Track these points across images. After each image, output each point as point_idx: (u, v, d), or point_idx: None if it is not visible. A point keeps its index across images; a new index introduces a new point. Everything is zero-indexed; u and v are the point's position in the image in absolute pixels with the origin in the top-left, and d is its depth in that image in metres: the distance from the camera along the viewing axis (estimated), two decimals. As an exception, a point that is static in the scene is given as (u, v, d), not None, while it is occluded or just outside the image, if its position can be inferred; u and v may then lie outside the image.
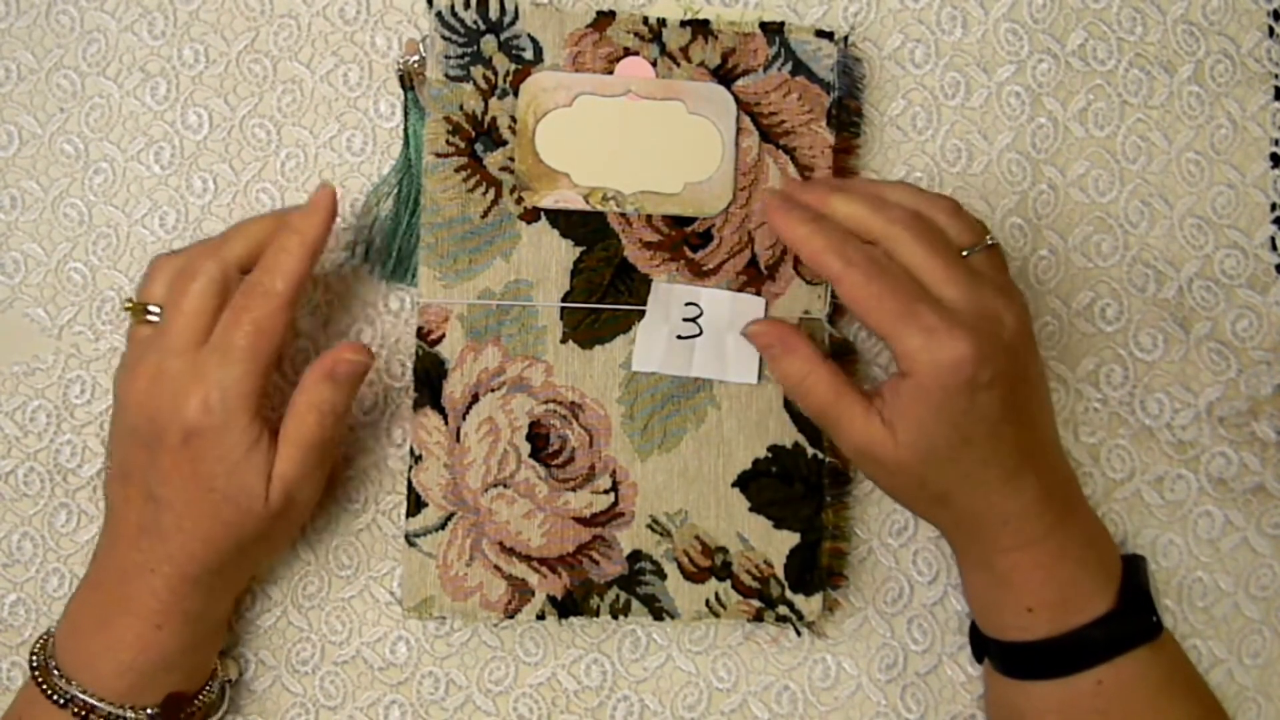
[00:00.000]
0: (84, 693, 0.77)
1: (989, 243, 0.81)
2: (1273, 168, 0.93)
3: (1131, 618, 0.82)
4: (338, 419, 0.82)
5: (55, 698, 0.77)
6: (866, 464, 0.81)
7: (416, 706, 0.90)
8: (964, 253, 0.80)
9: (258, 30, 0.91)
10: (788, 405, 0.88)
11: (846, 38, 0.90)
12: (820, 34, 0.89)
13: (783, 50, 0.88)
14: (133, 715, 0.78)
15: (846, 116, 0.90)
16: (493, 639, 0.90)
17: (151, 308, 0.80)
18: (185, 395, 0.77)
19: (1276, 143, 0.93)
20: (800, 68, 0.88)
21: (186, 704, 0.82)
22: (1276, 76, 0.94)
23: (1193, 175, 0.93)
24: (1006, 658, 0.84)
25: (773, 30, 0.88)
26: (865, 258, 0.77)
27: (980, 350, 0.75)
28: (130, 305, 0.81)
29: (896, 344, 0.76)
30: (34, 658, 0.80)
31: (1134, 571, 0.84)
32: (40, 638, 0.81)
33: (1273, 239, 0.93)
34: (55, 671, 0.78)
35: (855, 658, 0.91)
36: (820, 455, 0.88)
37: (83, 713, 0.77)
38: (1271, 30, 0.94)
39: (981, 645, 0.88)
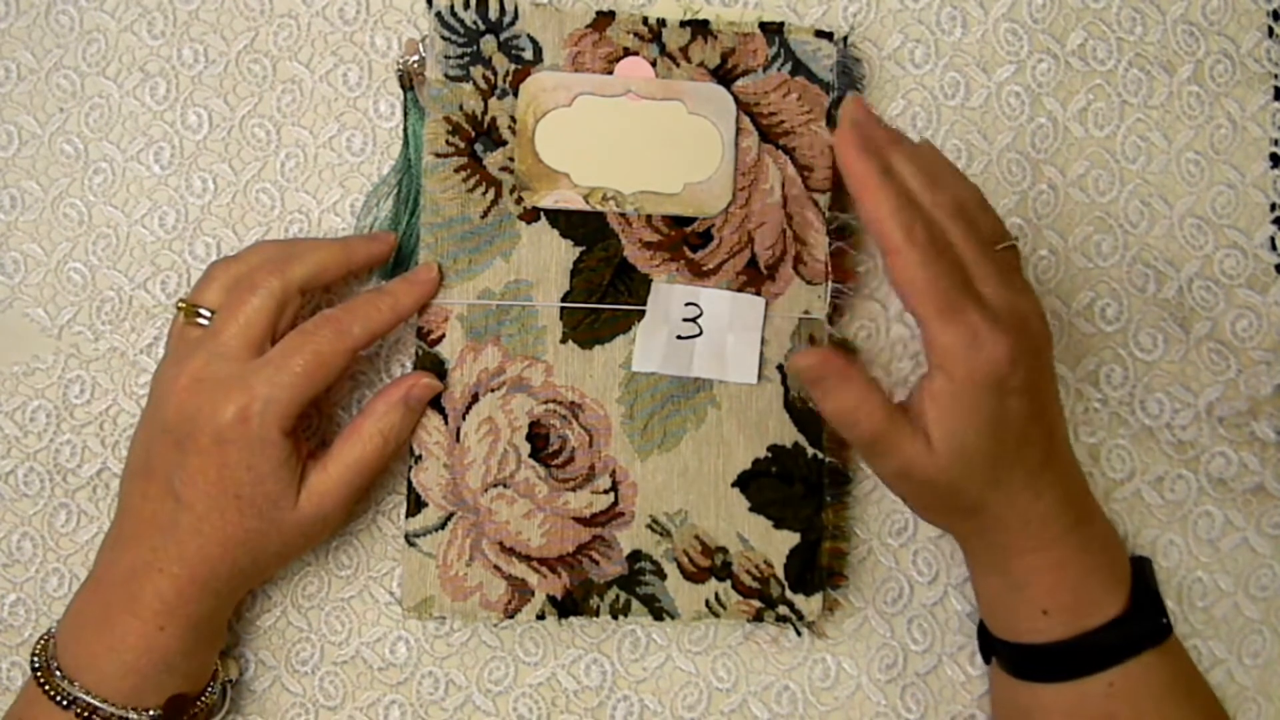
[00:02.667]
0: (87, 694, 0.77)
1: (1011, 242, 0.80)
2: (1273, 168, 0.93)
3: (1143, 620, 0.82)
4: (400, 445, 0.84)
5: (58, 699, 0.77)
6: (904, 484, 0.80)
7: (416, 706, 0.90)
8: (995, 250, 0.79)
9: (258, 30, 0.91)
10: (788, 405, 0.88)
11: (846, 38, 0.90)
12: (820, 34, 0.89)
13: (782, 50, 0.88)
14: (135, 717, 0.78)
15: (846, 116, 0.90)
16: (493, 639, 0.90)
17: (203, 310, 0.81)
18: (226, 400, 0.77)
19: (1276, 143, 0.94)
20: (800, 68, 0.88)
21: (189, 705, 0.82)
22: (1276, 76, 0.94)
23: (1193, 175, 0.93)
24: (1017, 659, 0.84)
25: (772, 30, 0.88)
26: (928, 237, 0.73)
27: (1015, 352, 0.73)
28: (182, 305, 0.81)
29: (937, 336, 0.73)
30: (35, 658, 0.80)
31: (1143, 573, 0.84)
32: (42, 637, 0.81)
33: (1273, 239, 0.93)
34: (58, 672, 0.78)
35: (855, 658, 0.91)
36: (820, 455, 0.88)
37: (86, 714, 0.77)
38: (1271, 30, 0.94)
39: (989, 646, 0.87)
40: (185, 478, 0.78)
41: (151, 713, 0.79)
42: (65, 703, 0.77)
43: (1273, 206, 0.93)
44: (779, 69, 0.88)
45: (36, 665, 0.79)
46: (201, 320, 0.80)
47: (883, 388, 0.77)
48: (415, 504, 0.86)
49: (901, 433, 0.76)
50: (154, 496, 0.79)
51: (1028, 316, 0.77)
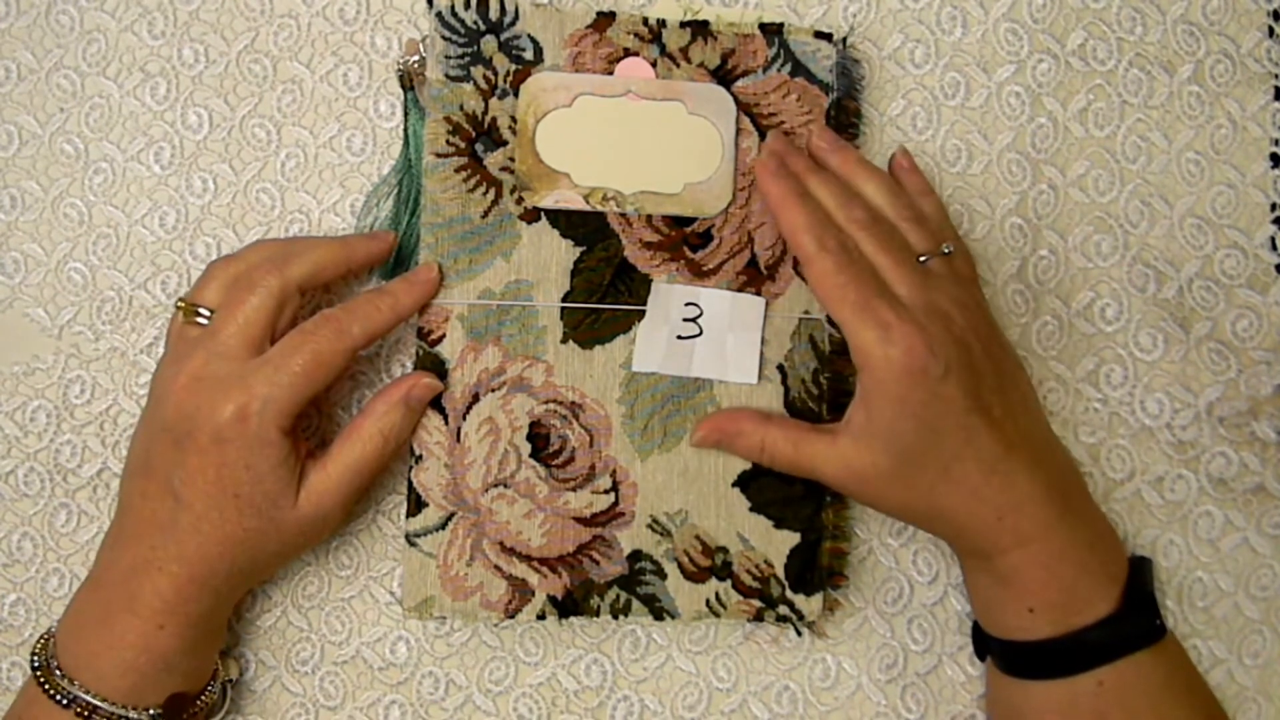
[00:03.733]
0: (86, 692, 0.77)
1: (945, 250, 0.83)
2: (1273, 168, 0.93)
3: (1134, 620, 0.82)
4: (400, 445, 0.84)
5: (57, 697, 0.77)
6: (855, 488, 0.82)
7: (416, 706, 0.90)
8: (921, 258, 0.82)
9: (258, 30, 0.91)
10: (788, 405, 0.88)
11: (845, 39, 0.91)
12: (819, 35, 0.89)
13: (782, 51, 0.88)
14: (135, 715, 0.78)
15: (845, 117, 0.90)
16: (493, 639, 0.90)
17: (202, 310, 0.80)
18: (225, 399, 0.77)
19: (1276, 143, 0.94)
20: (799, 69, 0.88)
21: (189, 704, 0.82)
22: (1276, 76, 0.94)
23: (1193, 175, 0.93)
24: (1008, 657, 0.84)
25: (772, 31, 0.88)
26: (838, 245, 0.80)
27: (928, 342, 0.77)
28: (182, 305, 0.81)
29: (852, 337, 0.78)
30: (35, 657, 0.80)
31: (1139, 573, 0.84)
32: (41, 636, 0.81)
33: (1273, 239, 0.93)
34: (57, 671, 0.78)
35: (855, 658, 0.91)
36: (820, 455, 0.88)
37: (85, 713, 0.77)
38: (1271, 30, 0.94)
39: (983, 643, 0.88)
40: (184, 477, 0.78)
41: (151, 711, 0.79)
42: (65, 701, 0.77)
43: (1273, 206, 0.93)
44: (779, 70, 0.88)
45: (36, 664, 0.79)
46: (200, 319, 0.80)
47: (786, 419, 0.85)
48: (416, 504, 0.86)
49: (815, 448, 0.81)
50: (153, 495, 0.79)
51: (946, 312, 0.79)
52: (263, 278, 0.80)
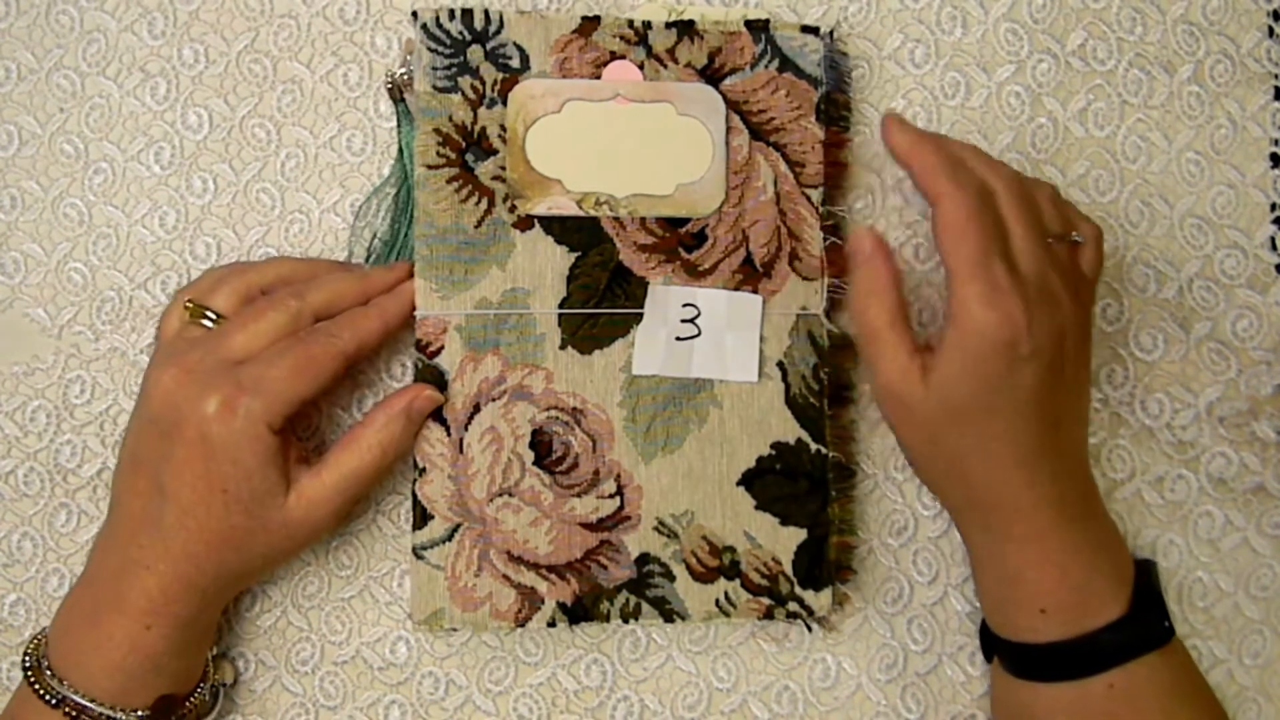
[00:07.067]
0: (75, 693, 0.78)
1: (1075, 238, 0.82)
2: (1273, 168, 0.93)
3: (1144, 623, 0.82)
4: (398, 457, 0.84)
5: (47, 698, 0.78)
6: (892, 405, 0.81)
7: (416, 706, 0.90)
8: (1049, 239, 0.80)
9: (258, 30, 0.91)
10: (789, 402, 0.88)
11: (832, 32, 0.90)
12: (806, 29, 0.89)
13: (769, 47, 0.88)
14: (123, 717, 0.78)
15: (835, 111, 0.90)
16: (493, 639, 0.90)
17: (210, 313, 0.81)
18: (212, 391, 0.77)
19: (1276, 143, 0.93)
20: (787, 64, 0.88)
21: (177, 706, 0.82)
22: (1276, 76, 0.93)
23: (1193, 175, 0.93)
24: (1017, 658, 0.84)
25: (758, 28, 0.88)
26: (976, 189, 0.77)
27: (1030, 321, 0.75)
28: (190, 305, 0.82)
29: (958, 286, 0.76)
30: (27, 657, 0.80)
31: (1147, 576, 0.84)
32: (34, 636, 0.82)
33: (1273, 239, 0.93)
34: (48, 671, 0.79)
35: (855, 658, 0.91)
36: (824, 450, 0.88)
37: (74, 713, 0.77)
38: (1271, 30, 0.93)
39: (991, 644, 0.87)
40: (172, 471, 0.78)
41: (139, 713, 0.79)
42: (54, 701, 0.78)
43: (1273, 206, 0.93)
44: (766, 66, 0.88)
45: (28, 664, 0.80)
46: (206, 322, 0.81)
47: (906, 302, 0.80)
48: (421, 517, 0.86)
49: (900, 342, 0.79)
50: (142, 492, 0.79)
51: (1058, 297, 0.78)
52: (285, 301, 0.81)
